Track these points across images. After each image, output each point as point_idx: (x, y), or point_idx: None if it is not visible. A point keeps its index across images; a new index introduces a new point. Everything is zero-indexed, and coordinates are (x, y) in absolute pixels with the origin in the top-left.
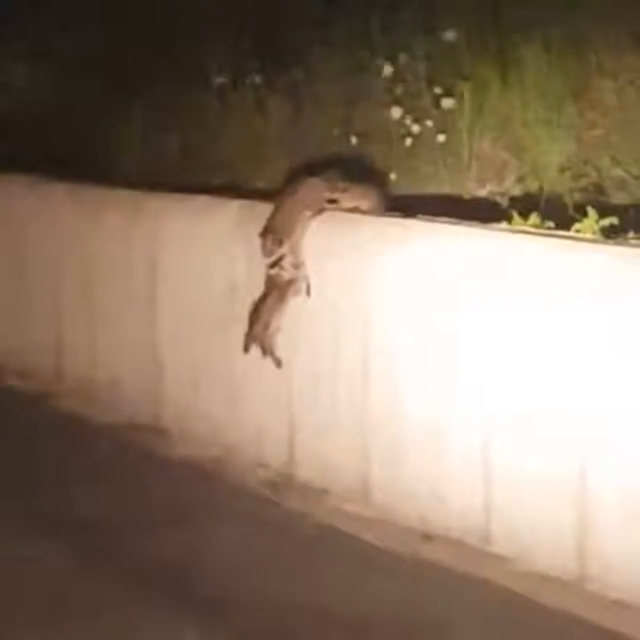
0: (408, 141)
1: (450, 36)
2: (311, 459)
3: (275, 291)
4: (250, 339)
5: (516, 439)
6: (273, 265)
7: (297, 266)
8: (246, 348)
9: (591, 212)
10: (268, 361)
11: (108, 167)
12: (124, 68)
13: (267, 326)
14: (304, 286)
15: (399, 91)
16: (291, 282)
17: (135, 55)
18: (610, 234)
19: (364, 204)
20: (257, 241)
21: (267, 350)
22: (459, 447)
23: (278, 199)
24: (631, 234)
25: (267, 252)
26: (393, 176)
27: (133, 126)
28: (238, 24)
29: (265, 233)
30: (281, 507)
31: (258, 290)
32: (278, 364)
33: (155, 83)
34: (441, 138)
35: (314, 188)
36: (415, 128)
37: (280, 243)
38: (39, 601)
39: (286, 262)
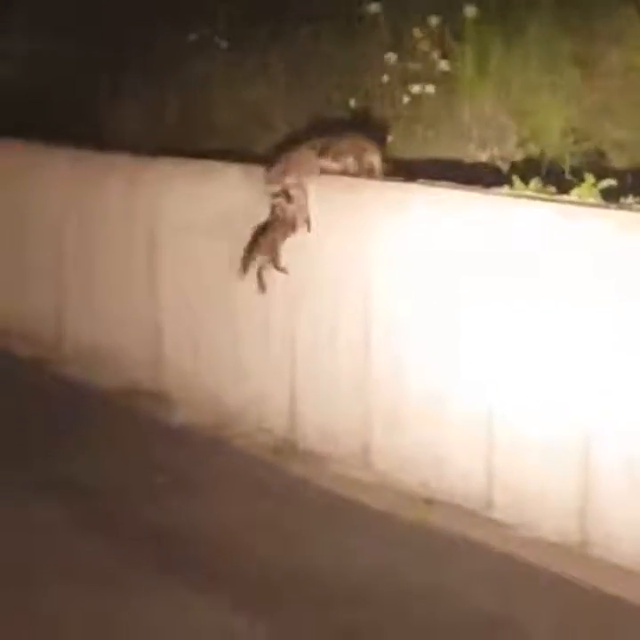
0: (408, 105)
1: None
2: (313, 425)
3: (276, 223)
4: (246, 262)
5: (518, 405)
6: (277, 194)
7: (301, 200)
8: (245, 270)
9: (588, 176)
10: (270, 327)
11: (108, 134)
12: (123, 34)
13: (266, 256)
14: (305, 221)
15: (400, 54)
16: (293, 216)
17: (133, 21)
18: (609, 197)
19: (367, 161)
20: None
21: (260, 278)
22: (461, 413)
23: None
24: (630, 197)
25: (272, 179)
26: (391, 138)
27: (133, 92)
28: None
29: (272, 164)
30: (282, 472)
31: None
32: (263, 289)
33: (153, 48)
34: (442, 102)
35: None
36: (416, 91)
37: (286, 172)
38: (40, 565)
39: (292, 193)
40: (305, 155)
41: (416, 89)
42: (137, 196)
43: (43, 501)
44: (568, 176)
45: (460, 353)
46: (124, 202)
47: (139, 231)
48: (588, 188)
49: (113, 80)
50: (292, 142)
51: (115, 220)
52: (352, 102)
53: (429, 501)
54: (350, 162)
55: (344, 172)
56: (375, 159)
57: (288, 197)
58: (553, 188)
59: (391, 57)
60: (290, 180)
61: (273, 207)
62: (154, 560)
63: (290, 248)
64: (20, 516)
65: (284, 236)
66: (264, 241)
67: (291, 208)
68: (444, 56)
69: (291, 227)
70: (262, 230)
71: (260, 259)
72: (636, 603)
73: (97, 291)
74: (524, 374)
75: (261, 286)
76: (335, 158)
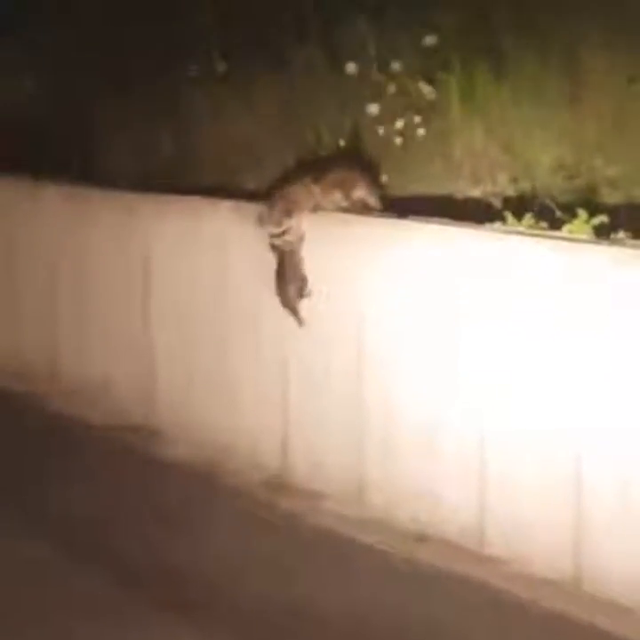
0: (399, 142)
1: (430, 40)
2: (305, 460)
3: (285, 259)
4: (289, 307)
5: (510, 438)
6: (279, 235)
7: (301, 237)
8: (297, 317)
9: (581, 212)
10: (263, 361)
11: (100, 169)
12: (115, 69)
13: (298, 291)
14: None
15: (391, 90)
16: (292, 251)
17: (125, 56)
18: (601, 233)
19: (356, 196)
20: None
21: (297, 313)
22: (453, 448)
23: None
24: (622, 233)
25: (274, 222)
26: (382, 175)
27: (124, 127)
28: (226, 23)
29: (273, 204)
30: (276, 508)
31: (251, 289)
32: (301, 323)
33: (145, 83)
34: (433, 138)
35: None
36: (407, 128)
37: (289, 214)
38: (32, 600)
39: (292, 233)
40: (303, 192)
41: (406, 125)
42: (129, 230)
43: (36, 536)
44: (560, 212)
45: (452, 387)
46: (117, 237)
47: (132, 266)
48: (580, 224)
49: (106, 115)
50: (282, 179)
51: (108, 256)
52: (342, 139)
53: (422, 536)
54: (339, 197)
55: (333, 208)
56: (364, 194)
57: (289, 239)
58: (545, 224)
59: (380, 93)
60: (292, 222)
61: (278, 247)
62: (150, 595)
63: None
64: (13, 549)
65: (300, 263)
66: (289, 276)
67: (293, 241)
68: (436, 92)
69: (297, 254)
70: (280, 273)
71: (292, 294)
72: (629, 639)
73: (90, 327)
74: (516, 406)
75: (299, 320)
76: (324, 193)
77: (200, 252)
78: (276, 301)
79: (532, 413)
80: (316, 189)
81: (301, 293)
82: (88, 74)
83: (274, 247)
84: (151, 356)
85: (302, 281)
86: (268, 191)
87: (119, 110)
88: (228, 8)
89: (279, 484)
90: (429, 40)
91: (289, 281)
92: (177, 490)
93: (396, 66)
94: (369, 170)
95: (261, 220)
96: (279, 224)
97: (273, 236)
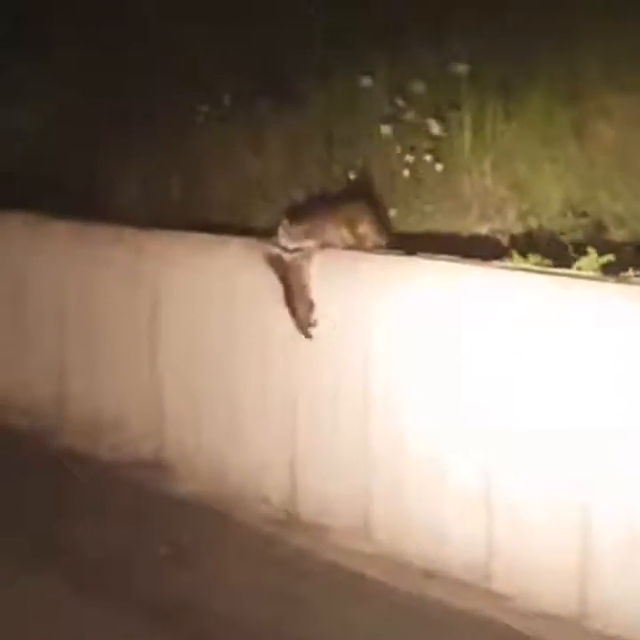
0: (407, 177)
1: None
2: (313, 496)
3: (291, 277)
4: (302, 327)
5: (518, 477)
6: (292, 251)
7: (310, 259)
8: (307, 334)
9: (591, 250)
10: (271, 397)
11: (109, 205)
12: (125, 108)
13: (309, 307)
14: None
15: (399, 126)
16: (300, 267)
17: (136, 94)
18: (609, 271)
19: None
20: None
21: (306, 329)
22: (460, 484)
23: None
24: (630, 271)
25: (293, 236)
26: (390, 211)
27: (133, 164)
28: (234, 60)
29: (297, 221)
30: (284, 543)
31: (260, 326)
32: (309, 336)
33: (156, 122)
34: (441, 175)
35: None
36: (415, 165)
37: (308, 235)
38: (40, 635)
39: (304, 254)
40: (329, 223)
41: (416, 160)
42: (138, 268)
43: (44, 571)
44: (568, 250)
45: (460, 423)
46: (126, 274)
47: (141, 303)
48: (589, 262)
49: (114, 152)
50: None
51: (117, 292)
52: (350, 174)
53: (429, 572)
54: (346, 233)
55: (341, 244)
56: (371, 231)
57: (302, 254)
58: (551, 262)
59: (387, 129)
60: (309, 244)
61: (284, 263)
62: (158, 631)
63: (290, 318)
64: (22, 583)
65: (307, 285)
66: (297, 297)
67: (302, 264)
68: (444, 129)
69: (304, 275)
70: (289, 291)
71: (302, 313)
72: None
73: (99, 362)
74: (523, 443)
75: (308, 335)
76: (334, 229)
77: (209, 289)
78: (284, 339)
79: (540, 451)
80: (328, 225)
81: (309, 317)
82: (98, 112)
83: (278, 262)
84: (160, 392)
85: (310, 305)
86: (291, 212)
87: (128, 148)
88: (236, 46)
89: (287, 519)
90: (439, 75)
91: (298, 299)
92: (186, 526)
93: (405, 100)
94: (376, 206)
95: (282, 232)
96: (297, 240)
97: (286, 250)
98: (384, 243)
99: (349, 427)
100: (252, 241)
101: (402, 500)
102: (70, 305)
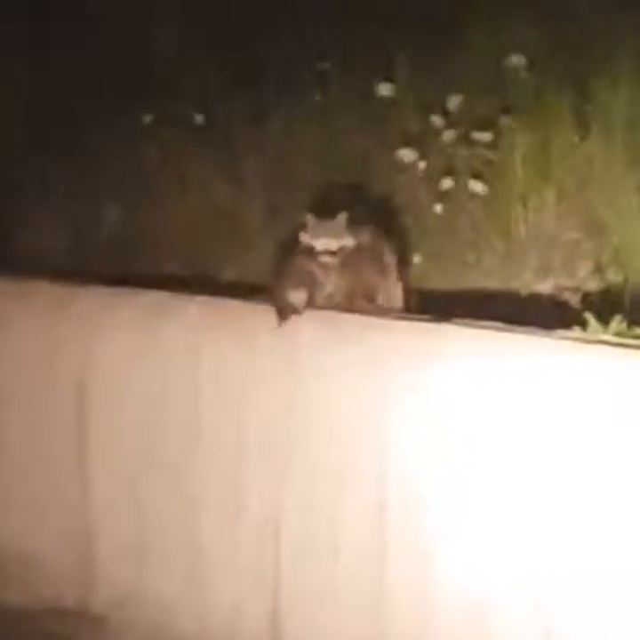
0: (439, 214)
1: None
2: None
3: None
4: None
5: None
6: (331, 253)
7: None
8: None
9: None
10: (243, 519)
11: (20, 251)
12: (46, 123)
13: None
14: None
15: (428, 141)
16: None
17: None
18: None
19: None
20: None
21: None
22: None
23: None
24: None
25: (337, 235)
26: (415, 259)
27: (57, 193)
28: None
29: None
30: None
31: (231, 418)
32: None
33: (87, 141)
34: (487, 209)
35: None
36: (451, 196)
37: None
38: None
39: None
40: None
41: (449, 193)
42: (62, 336)
43: None
44: None
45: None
46: (42, 345)
47: (63, 389)
48: None
49: (31, 178)
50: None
51: (29, 372)
52: (360, 209)
53: None
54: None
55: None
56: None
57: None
58: None
59: (412, 152)
60: (348, 242)
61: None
62: None
63: (273, 401)
64: None
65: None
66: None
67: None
68: (489, 147)
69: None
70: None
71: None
72: None
73: (8, 478)
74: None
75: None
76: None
77: (159, 365)
78: (266, 438)
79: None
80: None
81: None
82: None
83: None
84: (87, 511)
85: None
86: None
87: (49, 172)
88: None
89: None
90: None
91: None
92: None
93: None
94: (398, 252)
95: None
96: (342, 239)
97: (324, 252)
98: (404, 304)
99: (356, 555)
100: (219, 300)
101: None
102: None
